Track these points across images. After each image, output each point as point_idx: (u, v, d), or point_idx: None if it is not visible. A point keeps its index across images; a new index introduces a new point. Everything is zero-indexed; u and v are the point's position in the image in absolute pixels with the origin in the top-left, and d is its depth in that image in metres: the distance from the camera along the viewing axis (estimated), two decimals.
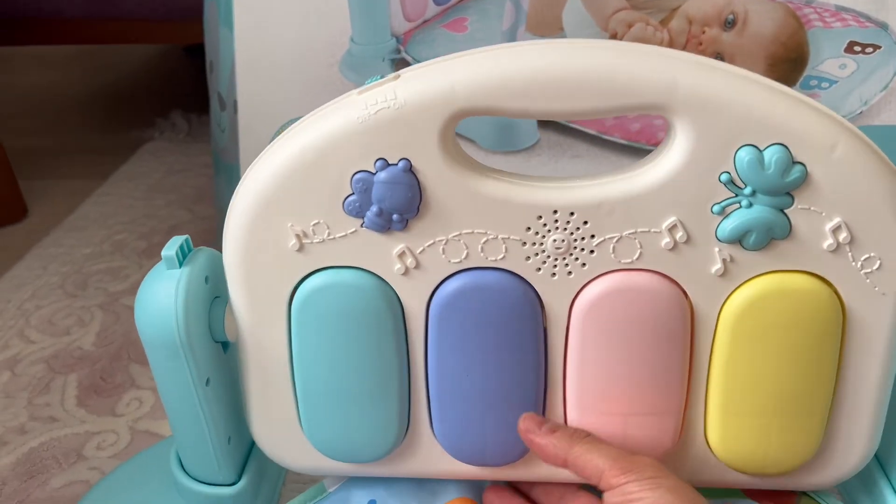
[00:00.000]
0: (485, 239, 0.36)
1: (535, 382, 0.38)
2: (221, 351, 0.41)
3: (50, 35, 1.21)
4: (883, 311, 0.36)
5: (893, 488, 0.42)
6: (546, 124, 0.62)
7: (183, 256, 0.38)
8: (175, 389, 0.39)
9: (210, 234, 0.89)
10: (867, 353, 0.37)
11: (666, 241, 0.35)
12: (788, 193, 0.33)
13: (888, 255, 0.35)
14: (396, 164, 0.34)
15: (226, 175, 0.74)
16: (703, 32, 0.61)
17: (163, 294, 0.37)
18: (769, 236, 0.34)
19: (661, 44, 0.61)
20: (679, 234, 0.35)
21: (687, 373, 0.38)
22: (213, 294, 0.39)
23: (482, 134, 0.63)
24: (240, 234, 0.36)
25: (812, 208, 0.34)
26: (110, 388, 0.66)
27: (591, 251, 0.35)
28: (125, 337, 0.73)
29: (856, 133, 0.33)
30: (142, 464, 0.51)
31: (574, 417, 0.39)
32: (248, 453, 0.44)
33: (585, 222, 0.35)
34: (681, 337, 0.37)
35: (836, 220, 0.34)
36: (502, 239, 0.35)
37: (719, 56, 0.61)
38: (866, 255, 0.35)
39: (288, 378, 0.39)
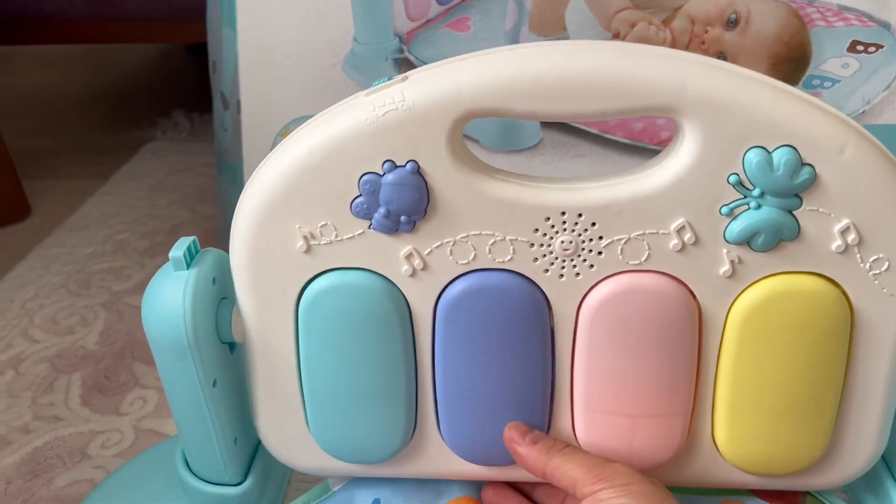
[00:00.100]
0: (492, 240, 0.35)
1: (543, 384, 0.38)
2: (228, 352, 0.40)
3: (51, 35, 1.21)
4: (891, 312, 0.36)
5: None
6: (549, 123, 0.62)
7: (190, 258, 0.38)
8: (182, 390, 0.39)
9: (212, 234, 0.89)
10: (875, 355, 0.37)
11: (674, 242, 0.35)
12: (797, 195, 0.33)
13: None
14: (404, 166, 0.34)
15: (229, 174, 0.74)
16: (706, 32, 0.61)
17: (170, 295, 0.37)
18: (777, 238, 0.34)
19: (663, 43, 0.61)
20: (687, 236, 0.35)
21: (695, 374, 0.38)
22: (221, 295, 0.39)
23: (485, 133, 0.63)
24: (247, 235, 0.36)
25: (820, 210, 0.34)
26: (114, 387, 0.66)
27: (599, 252, 0.35)
28: (129, 336, 0.73)
29: (864, 134, 0.33)
30: (146, 463, 0.51)
31: (581, 419, 0.39)
32: (253, 453, 0.44)
33: (593, 224, 0.35)
34: (689, 338, 0.37)
35: (845, 222, 0.34)
36: (510, 240, 0.35)
37: (722, 56, 0.61)
38: (875, 257, 0.35)
39: (295, 379, 0.39)
